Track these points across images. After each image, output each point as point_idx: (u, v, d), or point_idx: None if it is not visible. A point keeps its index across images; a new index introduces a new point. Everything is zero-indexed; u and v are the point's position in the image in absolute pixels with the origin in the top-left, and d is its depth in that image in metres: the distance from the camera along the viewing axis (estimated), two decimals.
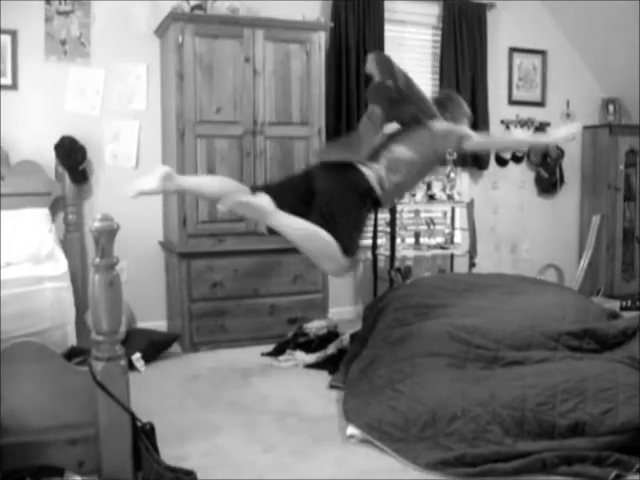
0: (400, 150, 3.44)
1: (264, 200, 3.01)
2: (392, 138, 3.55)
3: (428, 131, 3.50)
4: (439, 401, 2.93)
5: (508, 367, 3.16)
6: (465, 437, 2.80)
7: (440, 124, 3.53)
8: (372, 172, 3.33)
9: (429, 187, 5.35)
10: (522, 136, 3.52)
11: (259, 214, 3.02)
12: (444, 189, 5.39)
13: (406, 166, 3.42)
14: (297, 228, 3.03)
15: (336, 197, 3.20)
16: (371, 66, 3.55)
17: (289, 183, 3.52)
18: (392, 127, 3.68)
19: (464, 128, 3.61)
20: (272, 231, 3.17)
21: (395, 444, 2.87)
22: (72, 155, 4.49)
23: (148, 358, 4.14)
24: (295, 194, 3.33)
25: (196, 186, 3.43)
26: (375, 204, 3.43)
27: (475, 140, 3.55)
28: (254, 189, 3.34)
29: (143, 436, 2.43)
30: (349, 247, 3.06)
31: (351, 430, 3.02)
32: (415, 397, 3.01)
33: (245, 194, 3.19)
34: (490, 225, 6.04)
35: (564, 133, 3.55)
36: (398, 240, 5.25)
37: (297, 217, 3.04)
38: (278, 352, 4.31)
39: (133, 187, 3.20)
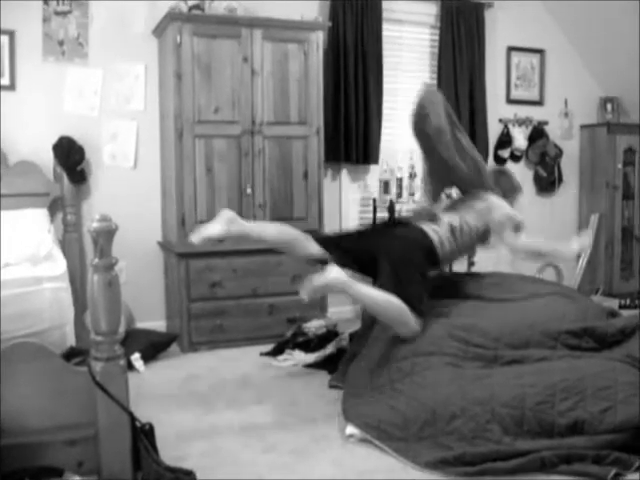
0: (459, 217, 3.62)
1: (337, 273, 3.12)
2: (454, 205, 3.77)
3: (487, 206, 3.66)
4: (438, 400, 2.93)
5: (507, 366, 3.16)
6: (465, 436, 2.80)
7: (502, 207, 3.68)
8: (435, 234, 3.47)
9: None
10: (554, 247, 3.80)
11: (337, 288, 3.15)
12: None
13: (464, 232, 3.58)
14: (372, 297, 3.18)
15: (403, 259, 3.33)
16: (427, 102, 3.68)
17: (352, 238, 3.65)
18: (454, 193, 3.96)
19: (520, 219, 3.70)
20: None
21: (395, 443, 2.87)
22: (70, 155, 4.48)
23: (147, 358, 4.14)
24: (358, 249, 3.49)
25: (259, 230, 3.48)
26: (434, 264, 3.54)
27: (522, 241, 3.70)
28: (317, 239, 3.51)
29: (142, 436, 2.43)
30: (419, 309, 3.24)
31: (350, 429, 3.02)
32: (414, 396, 3.01)
33: (306, 241, 3.43)
34: None
35: (580, 244, 3.76)
36: None
37: (370, 287, 3.19)
38: (277, 352, 4.31)
39: (199, 234, 3.26)
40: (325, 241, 3.55)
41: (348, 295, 3.22)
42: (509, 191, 3.92)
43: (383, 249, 3.39)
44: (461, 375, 3.09)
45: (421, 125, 3.69)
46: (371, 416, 3.01)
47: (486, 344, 3.26)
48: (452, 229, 3.56)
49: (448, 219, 3.62)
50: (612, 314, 3.73)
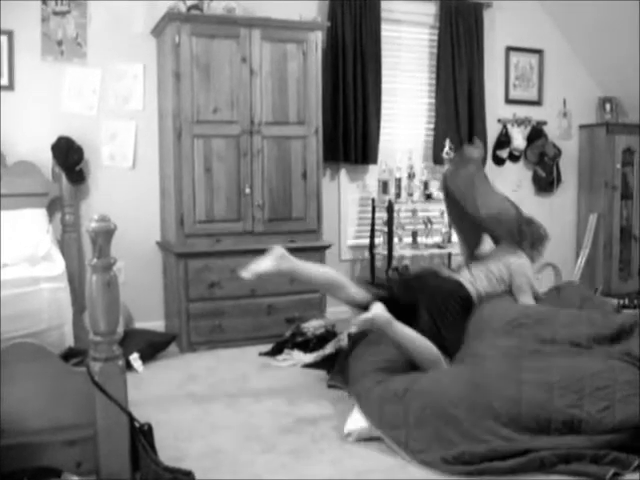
0: (493, 267, 3.77)
1: (381, 310, 3.24)
2: (489, 255, 3.94)
3: (510, 267, 3.78)
4: (438, 390, 2.97)
5: (508, 359, 3.17)
6: (462, 425, 2.80)
7: (524, 273, 3.79)
8: (471, 285, 3.63)
9: (426, 186, 5.35)
10: None
11: (379, 324, 3.24)
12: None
13: (496, 281, 3.73)
14: (411, 338, 3.27)
15: (441, 309, 3.46)
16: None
17: (396, 287, 3.79)
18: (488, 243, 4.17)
19: (537, 290, 3.88)
20: None
21: (394, 432, 2.89)
22: (69, 155, 4.48)
23: (146, 358, 4.14)
24: (400, 297, 3.60)
25: (307, 272, 3.56)
26: (469, 310, 3.64)
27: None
28: (364, 283, 3.72)
29: (141, 436, 2.42)
30: (452, 354, 3.36)
31: (348, 428, 3.03)
32: (419, 389, 3.04)
33: (351, 287, 3.57)
34: None
35: None
36: (395, 239, 5.25)
37: (409, 328, 3.28)
38: (276, 352, 4.31)
39: (250, 269, 3.40)
40: (371, 286, 3.70)
41: (387, 333, 3.27)
42: (537, 241, 4.02)
43: (423, 301, 3.50)
44: (462, 370, 3.12)
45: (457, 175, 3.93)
46: (375, 403, 3.04)
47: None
48: (487, 277, 3.71)
49: (479, 270, 3.75)
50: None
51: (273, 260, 3.39)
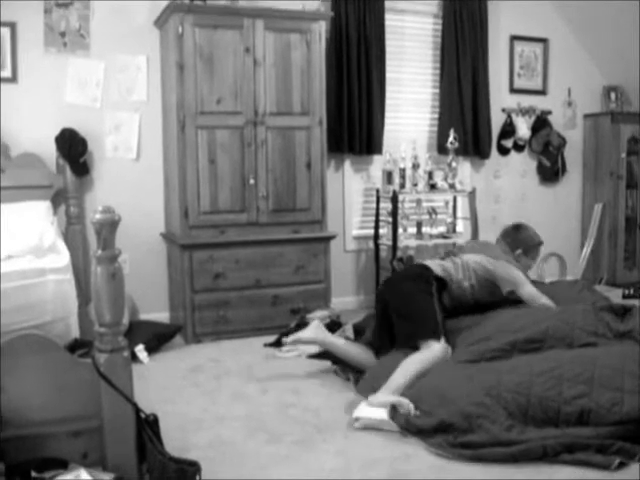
0: (471, 261, 3.71)
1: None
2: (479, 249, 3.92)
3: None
4: (446, 384, 3.00)
5: (520, 354, 3.18)
6: (469, 415, 2.81)
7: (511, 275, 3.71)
8: (438, 266, 3.62)
9: (431, 176, 5.34)
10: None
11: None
12: (446, 178, 5.38)
13: (469, 272, 3.66)
14: (412, 375, 3.19)
15: (405, 296, 3.49)
16: None
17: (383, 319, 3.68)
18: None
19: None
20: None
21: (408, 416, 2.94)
22: (73, 147, 4.48)
23: (151, 350, 4.15)
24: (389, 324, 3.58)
25: (335, 346, 3.72)
26: (442, 284, 3.60)
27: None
28: (375, 347, 3.63)
29: (147, 427, 2.43)
30: (435, 332, 3.32)
31: (357, 412, 3.04)
32: (427, 380, 3.09)
33: (369, 356, 3.60)
34: (492, 214, 6.03)
35: None
36: (400, 230, 5.25)
37: (402, 371, 3.21)
38: (281, 342, 4.31)
39: (291, 338, 3.77)
40: (379, 345, 3.63)
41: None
42: (531, 247, 3.96)
43: (391, 303, 3.52)
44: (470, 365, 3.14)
45: None
46: None
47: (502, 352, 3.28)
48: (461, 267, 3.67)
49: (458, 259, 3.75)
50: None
51: (312, 331, 3.72)
